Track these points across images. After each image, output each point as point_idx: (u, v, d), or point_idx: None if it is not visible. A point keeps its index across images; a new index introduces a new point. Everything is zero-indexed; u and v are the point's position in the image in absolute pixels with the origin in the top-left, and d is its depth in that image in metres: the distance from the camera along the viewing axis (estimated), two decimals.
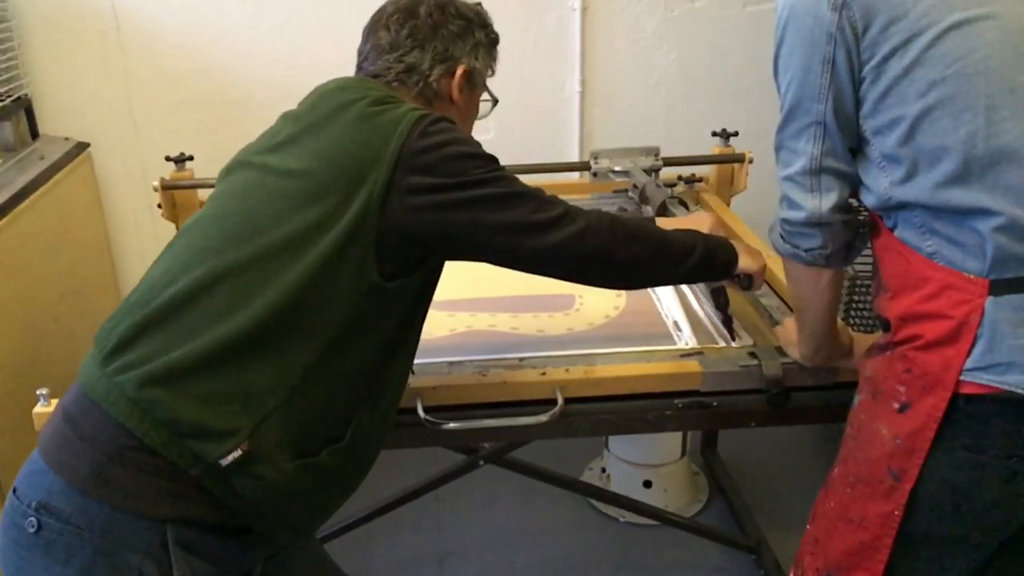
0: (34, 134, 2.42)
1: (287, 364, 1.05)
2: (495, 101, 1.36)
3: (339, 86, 1.21)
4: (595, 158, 2.01)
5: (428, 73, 1.23)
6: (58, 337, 2.16)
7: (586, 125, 2.65)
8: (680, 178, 2.12)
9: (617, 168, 1.96)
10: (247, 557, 1.13)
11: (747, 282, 1.33)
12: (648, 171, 1.98)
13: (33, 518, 1.02)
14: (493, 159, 1.15)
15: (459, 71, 1.25)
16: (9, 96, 2.28)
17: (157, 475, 1.02)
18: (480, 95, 1.33)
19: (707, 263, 1.25)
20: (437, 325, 1.58)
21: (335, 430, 1.10)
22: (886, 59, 1.02)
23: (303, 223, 1.07)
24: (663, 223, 1.36)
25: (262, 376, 1.04)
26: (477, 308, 1.64)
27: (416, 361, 1.40)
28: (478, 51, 1.28)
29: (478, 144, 1.15)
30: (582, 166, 2.41)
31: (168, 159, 2.06)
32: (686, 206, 1.66)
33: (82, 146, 2.45)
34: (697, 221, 1.35)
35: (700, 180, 2.12)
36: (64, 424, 1.06)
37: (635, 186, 1.93)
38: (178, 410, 1.01)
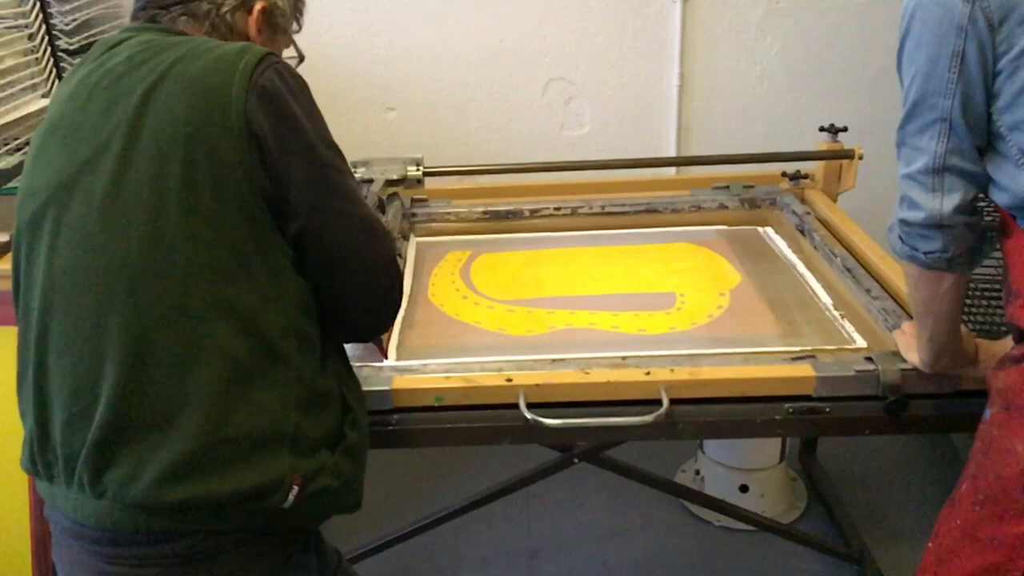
0: None
1: (280, 380, 0.99)
2: (301, 58, 1.24)
3: (122, 71, 1.00)
4: (355, 167, 1.87)
5: (220, 3, 1.10)
6: None
7: (684, 120, 2.59)
8: (784, 174, 2.06)
9: (367, 177, 1.85)
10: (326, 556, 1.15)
11: None
12: (398, 181, 1.84)
13: None
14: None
15: (257, 7, 1.13)
16: None
17: (238, 548, 1.00)
18: (284, 44, 1.20)
19: None
20: (536, 322, 1.57)
21: (335, 400, 1.08)
22: None
23: (196, 252, 0.94)
24: None
25: (267, 407, 0.98)
26: (576, 306, 1.62)
27: (516, 358, 1.40)
28: None
29: (315, 106, 1.06)
30: (676, 161, 2.40)
31: None
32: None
33: None
34: None
35: (806, 177, 2.06)
36: None
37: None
38: (221, 486, 0.95)
